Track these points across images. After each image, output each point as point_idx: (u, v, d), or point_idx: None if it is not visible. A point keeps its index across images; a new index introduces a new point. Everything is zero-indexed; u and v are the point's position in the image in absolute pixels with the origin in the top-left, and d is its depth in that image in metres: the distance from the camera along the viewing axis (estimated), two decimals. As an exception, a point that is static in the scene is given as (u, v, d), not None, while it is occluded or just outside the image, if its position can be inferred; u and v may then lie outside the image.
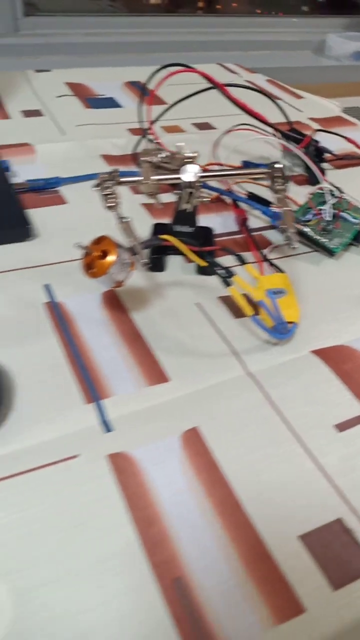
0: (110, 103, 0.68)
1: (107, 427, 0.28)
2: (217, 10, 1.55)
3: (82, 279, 0.37)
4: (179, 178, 0.34)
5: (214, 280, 0.38)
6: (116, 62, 0.96)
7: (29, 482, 0.25)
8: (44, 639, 0.20)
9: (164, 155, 0.34)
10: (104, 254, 0.30)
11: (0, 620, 0.20)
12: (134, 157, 0.54)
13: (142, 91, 0.71)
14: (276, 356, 0.33)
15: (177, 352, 0.32)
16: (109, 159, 0.54)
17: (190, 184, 0.35)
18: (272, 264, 0.40)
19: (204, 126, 0.64)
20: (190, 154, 0.34)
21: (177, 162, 0.35)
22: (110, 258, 0.30)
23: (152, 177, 0.34)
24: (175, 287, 0.38)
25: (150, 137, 0.57)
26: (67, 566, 0.22)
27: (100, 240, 0.31)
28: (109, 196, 0.34)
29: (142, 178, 0.34)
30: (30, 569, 0.22)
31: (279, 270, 0.39)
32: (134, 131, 0.60)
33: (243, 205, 0.47)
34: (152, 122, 0.55)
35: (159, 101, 0.69)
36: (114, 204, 0.34)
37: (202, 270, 0.39)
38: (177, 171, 0.34)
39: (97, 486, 0.25)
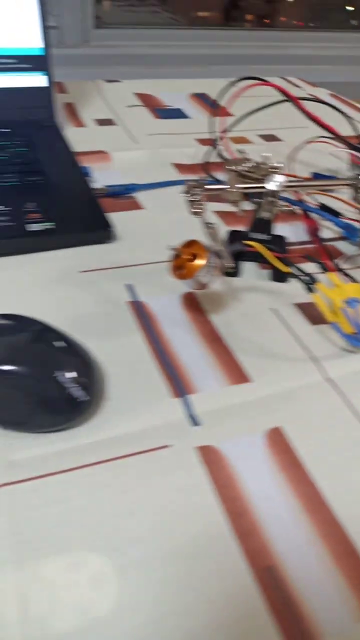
0: (178, 114, 0.71)
1: (194, 421, 0.29)
2: (266, 25, 1.57)
3: (162, 280, 0.39)
4: (263, 187, 0.35)
5: (288, 287, 0.39)
6: (179, 73, 0.99)
7: (123, 467, 0.26)
8: (149, 613, 0.21)
9: (249, 164, 0.36)
10: (194, 257, 0.32)
11: (105, 593, 0.22)
12: (205, 167, 0.55)
13: (211, 105, 0.74)
14: (355, 363, 0.33)
15: (256, 355, 0.33)
16: (180, 167, 0.56)
17: (273, 193, 0.36)
18: (345, 274, 0.40)
19: (270, 138, 0.65)
20: (276, 164, 0.35)
21: (261, 171, 0.36)
22: (200, 262, 0.32)
23: (238, 185, 0.35)
24: (251, 293, 0.39)
25: (221, 147, 0.58)
26: (162, 547, 0.23)
27: (190, 244, 0.32)
28: (195, 202, 0.35)
29: (228, 186, 0.36)
30: (131, 547, 0.23)
31: (353, 280, 0.40)
32: (202, 141, 0.62)
33: (312, 216, 0.48)
34: (224, 132, 0.57)
35: (225, 112, 0.71)
36: (200, 210, 0.35)
37: (276, 277, 0.40)
38: (261, 180, 0.36)
39: (187, 476, 0.26)
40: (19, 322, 0.30)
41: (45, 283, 0.38)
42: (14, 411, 0.27)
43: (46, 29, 0.58)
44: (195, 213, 0.35)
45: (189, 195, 0.35)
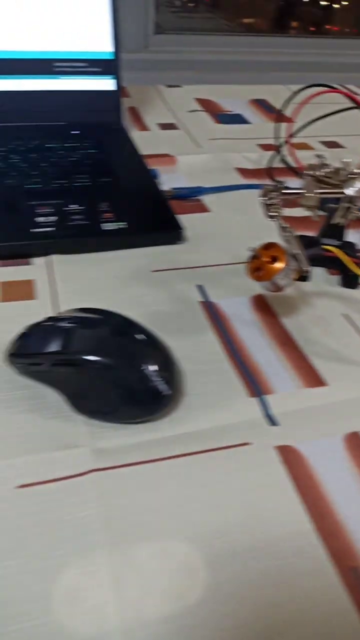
0: (238, 119, 0.71)
1: (271, 420, 0.29)
2: (317, 32, 1.56)
3: (231, 282, 0.40)
4: (342, 192, 0.35)
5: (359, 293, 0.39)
6: (235, 79, 1.00)
7: (206, 461, 0.27)
8: (236, 605, 0.22)
9: (327, 170, 0.36)
10: (273, 260, 0.32)
11: (194, 582, 0.22)
12: (269, 172, 0.56)
13: (271, 111, 0.74)
14: None
15: (330, 359, 0.34)
16: (243, 172, 0.56)
17: (350, 199, 0.36)
18: None
19: (331, 145, 0.65)
20: (357, 170, 0.35)
21: (339, 177, 0.36)
22: (280, 264, 0.32)
23: (317, 191, 0.35)
24: (322, 297, 0.39)
25: (285, 153, 0.59)
26: (247, 542, 0.24)
27: (269, 246, 0.33)
28: (272, 206, 0.36)
29: (305, 191, 0.36)
30: (216, 540, 0.24)
31: None
32: (264, 147, 0.63)
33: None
34: (290, 136, 0.57)
35: (287, 118, 0.71)
36: (276, 214, 0.36)
37: (347, 283, 0.40)
38: (338, 186, 0.36)
39: (268, 474, 0.26)
40: (103, 316, 0.31)
41: (120, 280, 0.39)
42: (101, 401, 0.28)
43: (117, 33, 0.59)
44: (272, 217, 0.36)
45: (266, 198, 0.36)
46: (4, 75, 0.56)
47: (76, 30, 0.58)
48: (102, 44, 0.59)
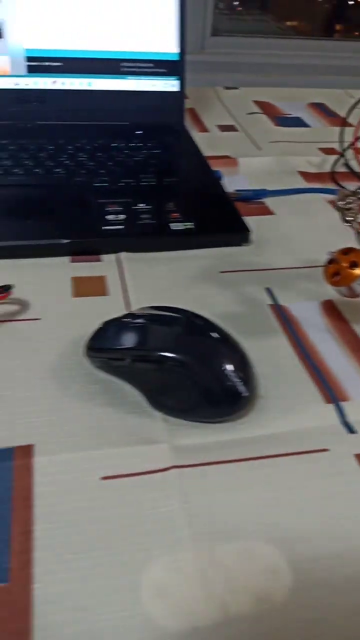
0: (298, 122, 0.71)
1: (349, 428, 0.29)
2: (356, 36, 1.53)
3: (299, 285, 0.39)
4: None
5: None
6: (289, 82, 0.99)
7: (285, 465, 0.27)
8: (325, 611, 0.21)
9: None
10: (352, 265, 0.32)
11: (278, 585, 0.22)
12: (332, 176, 0.55)
13: (331, 115, 0.73)
14: None
15: None
16: (306, 175, 0.56)
17: None
18: None
19: (394, 150, 0.64)
20: None
21: None
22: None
23: None
24: (393, 305, 0.38)
25: (348, 158, 0.58)
26: (330, 549, 0.23)
27: (349, 251, 0.33)
28: (349, 211, 0.35)
29: (384, 197, 0.35)
30: (299, 544, 0.23)
31: None
32: (325, 150, 0.62)
33: None
34: (356, 140, 0.56)
35: (342, 122, 0.70)
36: (353, 219, 0.35)
37: None
38: None
39: (349, 481, 0.26)
40: (180, 314, 0.31)
41: (188, 280, 0.39)
42: (179, 399, 0.28)
43: (183, 34, 0.60)
44: (348, 222, 0.35)
45: (343, 203, 0.35)
46: (74, 74, 0.58)
47: (144, 31, 0.58)
48: (168, 44, 0.59)
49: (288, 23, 1.63)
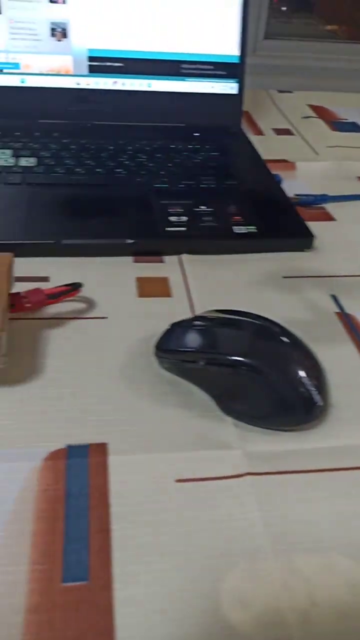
0: (354, 127, 0.69)
1: None
2: None
3: (366, 294, 0.39)
4: None
5: None
6: (341, 86, 0.98)
7: (354, 479, 0.26)
8: None
9: None
10: None
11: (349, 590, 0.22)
12: (393, 183, 0.54)
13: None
14: None
15: None
16: (365, 181, 0.55)
17: None
18: None
19: None
20: None
21: None
22: None
23: None
24: None
25: None
26: None
27: None
28: None
29: None
30: (380, 560, 0.23)
31: None
32: (384, 157, 0.61)
33: None
34: None
35: None
36: None
37: None
38: None
39: None
40: (250, 318, 0.31)
41: (251, 284, 0.39)
42: (251, 405, 0.28)
43: (244, 37, 0.59)
44: None
45: None
46: (134, 75, 0.58)
47: (205, 33, 0.58)
48: (229, 47, 0.59)
49: (331, 27, 1.61)
